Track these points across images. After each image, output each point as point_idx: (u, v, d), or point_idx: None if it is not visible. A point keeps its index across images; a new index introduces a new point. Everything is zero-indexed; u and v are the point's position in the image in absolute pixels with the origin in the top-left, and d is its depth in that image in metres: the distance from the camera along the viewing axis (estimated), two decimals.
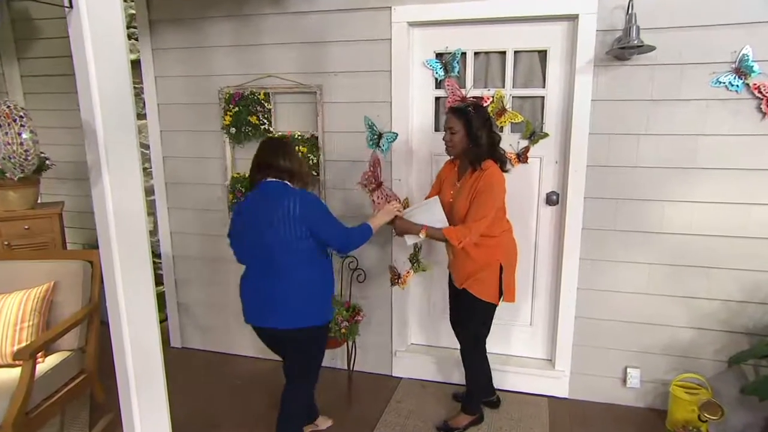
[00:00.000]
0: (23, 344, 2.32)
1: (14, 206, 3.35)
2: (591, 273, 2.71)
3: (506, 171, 2.37)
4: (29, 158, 1.46)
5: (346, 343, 2.78)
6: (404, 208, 2.47)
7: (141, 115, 3.71)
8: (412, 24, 2.72)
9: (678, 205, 2.54)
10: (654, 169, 2.54)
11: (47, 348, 2.45)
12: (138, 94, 3.62)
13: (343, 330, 2.66)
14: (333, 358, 3.15)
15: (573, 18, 2.52)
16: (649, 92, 2.48)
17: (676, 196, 2.54)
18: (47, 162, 3.34)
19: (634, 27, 2.32)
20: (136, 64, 3.41)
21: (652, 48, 2.34)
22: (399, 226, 2.39)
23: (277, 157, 2.07)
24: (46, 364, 2.40)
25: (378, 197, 2.68)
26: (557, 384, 2.86)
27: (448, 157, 2.49)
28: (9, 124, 1.41)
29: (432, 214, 2.35)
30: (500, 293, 2.38)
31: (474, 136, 2.25)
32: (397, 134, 2.75)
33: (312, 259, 2.06)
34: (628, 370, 2.75)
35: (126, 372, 1.80)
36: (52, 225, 3.43)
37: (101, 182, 1.70)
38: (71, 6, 1.60)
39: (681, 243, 2.57)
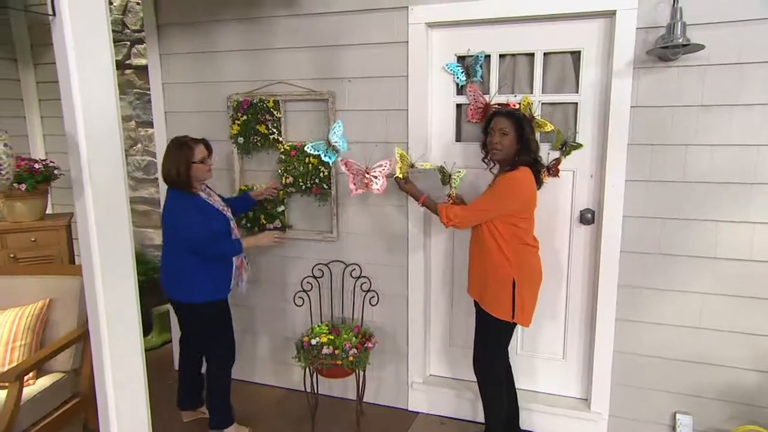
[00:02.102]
0: (14, 365, 2.39)
1: (22, 217, 3.49)
2: (631, 302, 2.56)
3: (540, 183, 2.36)
4: (3, 172, 1.50)
5: (355, 373, 2.73)
6: (404, 161, 2.54)
7: (148, 123, 3.83)
8: (430, 25, 2.68)
9: (735, 227, 2.37)
10: (706, 184, 2.38)
11: (39, 369, 2.52)
12: (149, 101, 3.74)
13: (351, 358, 2.61)
14: (344, 388, 3.11)
15: (610, 15, 2.42)
16: (699, 97, 2.34)
17: (733, 216, 2.37)
18: (56, 171, 3.47)
19: (679, 23, 2.20)
20: (144, 70, 3.53)
21: (700, 47, 2.21)
22: (404, 187, 2.53)
23: (171, 173, 2.50)
24: (36, 386, 2.45)
25: (377, 184, 2.60)
26: (593, 428, 2.70)
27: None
28: None
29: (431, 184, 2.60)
30: (514, 311, 2.31)
31: (526, 140, 2.28)
32: (340, 122, 2.62)
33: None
34: (678, 416, 2.57)
35: (106, 398, 1.82)
36: (59, 237, 3.55)
37: (83, 197, 1.74)
38: (54, 14, 1.66)
39: (740, 270, 2.39)
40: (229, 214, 2.67)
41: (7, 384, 2.22)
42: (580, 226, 2.67)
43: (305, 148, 2.65)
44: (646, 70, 2.39)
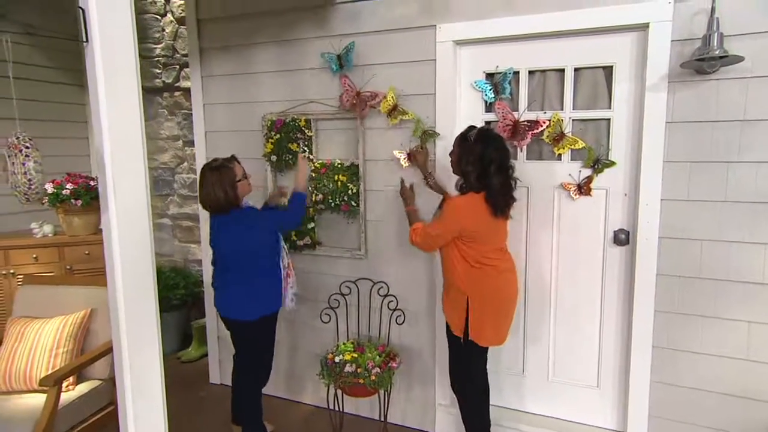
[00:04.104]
0: (57, 369, 2.53)
1: (78, 231, 3.74)
2: (670, 329, 2.41)
3: (500, 213, 2.26)
4: (32, 187, 1.62)
5: (377, 393, 2.70)
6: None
7: (191, 142, 4.02)
8: (458, 43, 2.67)
9: None
10: (750, 204, 2.22)
11: (78, 375, 2.67)
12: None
13: (373, 377, 2.59)
14: (371, 408, 3.08)
15: (643, 28, 2.33)
16: (740, 111, 2.20)
17: None
18: None
19: (716, 34, 2.09)
20: (188, 92, 3.72)
21: (739, 58, 2.08)
22: (405, 191, 2.65)
23: (218, 196, 2.48)
24: (75, 392, 2.59)
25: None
26: None
27: None
28: (15, 155, 1.58)
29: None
30: (467, 329, 2.32)
31: (463, 168, 2.27)
32: (354, 44, 2.85)
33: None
34: None
35: (125, 406, 1.89)
36: None
37: (108, 211, 1.84)
38: (87, 41, 1.79)
39: None
40: None
41: (46, 388, 2.36)
42: (614, 247, 2.55)
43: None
44: (682, 83, 2.27)
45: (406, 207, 2.59)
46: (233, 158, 2.62)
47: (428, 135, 2.74)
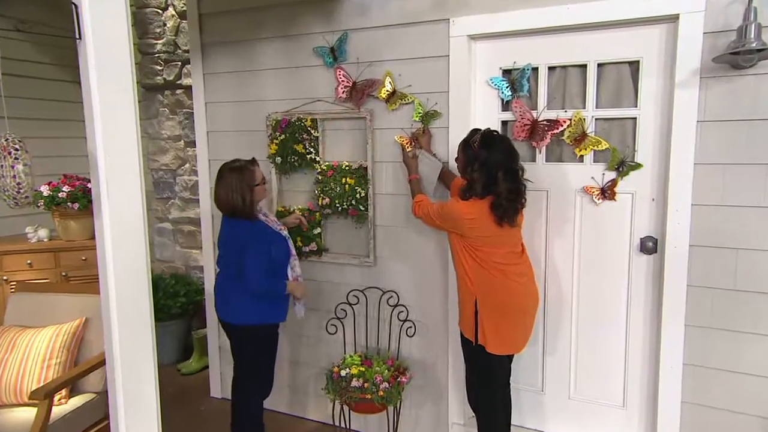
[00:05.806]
0: (48, 382, 2.55)
1: (74, 236, 3.77)
2: (702, 344, 2.35)
3: (505, 221, 2.22)
4: (21, 190, 1.62)
5: (386, 410, 2.68)
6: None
7: (193, 143, 4.03)
8: (473, 37, 2.65)
9: None
10: None
11: (72, 388, 2.68)
12: None
13: (381, 392, 2.57)
14: (380, 425, 3.06)
15: (673, 19, 2.29)
16: None
17: None
18: None
19: (753, 25, 2.03)
20: (190, 90, 3.73)
21: None
22: (407, 157, 2.75)
23: (235, 199, 2.51)
24: (68, 405, 2.59)
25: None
26: None
27: None
28: (4, 157, 1.59)
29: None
30: (476, 332, 2.31)
31: (469, 175, 2.27)
32: (348, 34, 2.88)
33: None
34: None
35: (117, 420, 1.90)
36: None
37: (101, 215, 1.85)
38: (80, 37, 1.80)
39: None
40: (285, 232, 2.71)
41: (37, 402, 2.37)
42: (640, 256, 2.51)
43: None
44: (715, 79, 2.22)
45: (410, 176, 2.69)
46: (254, 161, 2.64)
47: (429, 116, 2.75)
